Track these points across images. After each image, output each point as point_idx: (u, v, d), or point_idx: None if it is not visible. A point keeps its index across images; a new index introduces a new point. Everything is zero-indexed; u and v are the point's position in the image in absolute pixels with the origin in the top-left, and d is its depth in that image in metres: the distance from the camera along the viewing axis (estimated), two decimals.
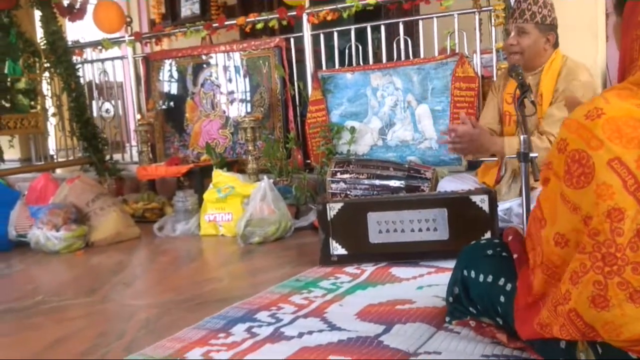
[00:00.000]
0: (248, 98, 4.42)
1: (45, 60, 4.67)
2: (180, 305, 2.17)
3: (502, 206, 2.64)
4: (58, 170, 5.28)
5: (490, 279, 1.59)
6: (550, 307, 1.28)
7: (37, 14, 4.77)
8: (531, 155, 2.07)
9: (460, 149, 2.70)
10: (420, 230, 2.46)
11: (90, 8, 4.98)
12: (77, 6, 4.86)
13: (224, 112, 4.52)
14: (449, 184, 2.90)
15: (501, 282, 1.55)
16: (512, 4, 2.80)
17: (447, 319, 1.76)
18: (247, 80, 4.40)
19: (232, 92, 4.48)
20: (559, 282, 1.28)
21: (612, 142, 1.18)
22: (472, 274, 1.65)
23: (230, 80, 4.48)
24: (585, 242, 1.20)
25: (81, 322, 2.08)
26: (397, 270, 2.38)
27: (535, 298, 1.37)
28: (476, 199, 2.43)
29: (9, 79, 4.37)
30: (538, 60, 2.70)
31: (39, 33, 4.82)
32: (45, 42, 4.65)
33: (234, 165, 4.17)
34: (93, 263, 3.03)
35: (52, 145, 5.64)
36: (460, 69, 3.56)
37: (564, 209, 1.25)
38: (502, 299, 1.53)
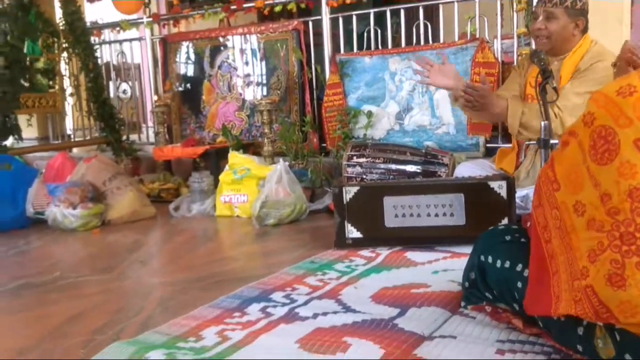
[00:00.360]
0: (265, 81, 4.41)
1: (64, 41, 4.69)
2: (196, 284, 2.18)
3: (519, 193, 2.61)
4: (75, 150, 5.33)
5: (507, 264, 1.58)
6: (567, 279, 1.26)
7: None
8: (552, 141, 2.05)
9: (472, 105, 2.56)
10: (436, 215, 2.45)
11: None
12: None
13: (241, 94, 4.52)
14: (466, 170, 2.88)
15: (519, 267, 1.54)
16: None
17: (463, 303, 1.75)
18: (264, 63, 4.39)
19: (248, 75, 4.47)
20: (570, 249, 1.26)
21: None
22: (490, 259, 1.64)
23: (247, 63, 4.47)
24: (603, 220, 1.18)
25: (98, 298, 2.10)
26: (413, 255, 2.37)
27: (546, 270, 1.35)
28: (494, 184, 2.41)
29: (28, 59, 4.39)
30: (566, 46, 2.63)
31: (58, 13, 4.84)
32: (64, 22, 4.67)
33: (250, 147, 4.18)
34: (109, 241, 3.05)
35: (69, 124, 5.68)
36: (481, 55, 3.52)
37: (588, 183, 1.23)
38: (519, 284, 1.52)
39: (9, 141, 4.27)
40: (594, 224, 1.21)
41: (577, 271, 1.23)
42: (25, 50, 4.29)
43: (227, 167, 3.55)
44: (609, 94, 1.21)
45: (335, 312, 1.77)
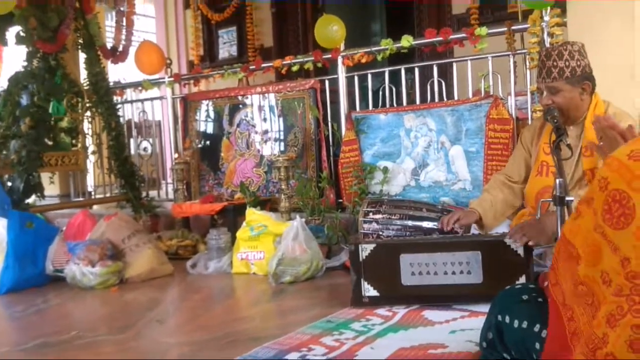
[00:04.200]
0: (282, 137, 4.49)
1: (88, 100, 4.83)
2: (212, 343, 2.17)
3: (536, 251, 2.59)
4: (95, 207, 5.40)
5: (525, 324, 1.56)
6: (587, 351, 1.24)
7: (82, 56, 4.96)
8: (567, 199, 2.04)
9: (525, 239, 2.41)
10: (453, 273, 2.43)
11: (132, 50, 5.15)
12: (120, 49, 5.04)
13: (259, 151, 4.59)
14: None
15: (536, 328, 1.52)
16: (538, 62, 2.73)
17: None
18: (281, 120, 4.48)
19: (266, 132, 4.56)
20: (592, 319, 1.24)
21: None
22: (507, 319, 1.61)
23: (265, 120, 4.56)
24: (622, 284, 1.17)
25: (114, 358, 2.10)
26: (430, 314, 2.35)
27: (567, 340, 1.33)
28: (511, 242, 2.39)
29: (52, 118, 4.52)
30: (577, 113, 2.63)
31: (83, 74, 5.01)
32: (88, 82, 4.82)
33: (267, 203, 4.21)
34: (127, 299, 3.06)
35: (90, 181, 5.78)
36: (495, 111, 3.56)
37: (607, 249, 1.22)
38: (537, 345, 1.50)
39: (32, 199, 4.35)
40: (614, 288, 1.20)
41: (597, 339, 1.21)
42: (50, 110, 4.42)
43: (244, 223, 3.57)
44: (621, 157, 1.22)
45: None
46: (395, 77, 4.21)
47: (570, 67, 2.54)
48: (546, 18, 3.35)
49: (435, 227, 3.17)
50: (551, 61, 2.56)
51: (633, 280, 1.16)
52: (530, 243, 2.35)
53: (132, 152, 5.45)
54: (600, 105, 2.64)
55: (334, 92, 4.33)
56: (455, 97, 3.89)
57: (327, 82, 4.35)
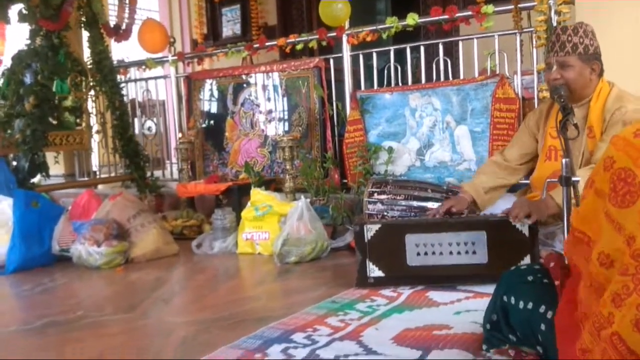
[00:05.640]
0: (286, 117, 4.47)
1: (91, 79, 4.81)
2: (217, 323, 2.19)
3: (545, 230, 2.58)
4: (100, 186, 5.41)
5: (530, 305, 1.56)
6: (593, 330, 1.24)
7: (85, 34, 4.92)
8: (573, 179, 2.03)
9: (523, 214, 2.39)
10: (459, 253, 2.43)
11: (135, 29, 5.11)
12: (123, 27, 5.00)
13: (263, 131, 4.57)
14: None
15: (542, 309, 1.52)
16: (551, 36, 2.71)
17: (485, 347, 1.72)
18: (285, 99, 4.45)
19: (270, 112, 4.54)
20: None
21: None
22: (512, 300, 1.62)
23: (269, 100, 4.54)
24: (628, 263, 1.17)
25: (121, 337, 2.12)
26: (435, 295, 2.35)
27: (576, 320, 1.33)
28: (514, 220, 2.38)
29: (56, 97, 4.51)
30: (584, 92, 2.62)
31: (86, 53, 4.98)
32: (91, 61, 4.79)
33: (272, 183, 4.21)
34: (132, 279, 3.08)
35: (95, 161, 5.79)
36: (501, 90, 3.53)
37: (609, 228, 1.22)
38: (542, 326, 1.50)
39: (37, 178, 4.36)
40: (620, 267, 1.19)
41: (602, 319, 1.21)
42: (54, 89, 4.40)
43: (249, 204, 3.57)
44: (627, 136, 1.22)
45: (356, 355, 1.76)
46: (400, 56, 4.17)
47: (584, 44, 2.53)
48: None
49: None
50: (566, 35, 2.55)
51: (638, 259, 1.15)
52: (531, 219, 2.34)
53: (137, 131, 5.44)
54: (605, 87, 2.62)
55: (339, 71, 4.30)
56: (461, 76, 3.85)
57: (331, 61, 4.31)
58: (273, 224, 3.42)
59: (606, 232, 1.23)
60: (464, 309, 2.15)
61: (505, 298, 1.65)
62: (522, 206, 2.38)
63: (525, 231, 2.38)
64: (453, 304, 2.23)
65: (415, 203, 3.22)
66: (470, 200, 2.73)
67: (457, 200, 2.70)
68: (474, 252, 2.42)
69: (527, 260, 2.36)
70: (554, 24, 3.28)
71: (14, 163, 4.23)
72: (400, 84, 4.08)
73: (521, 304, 1.59)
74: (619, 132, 1.28)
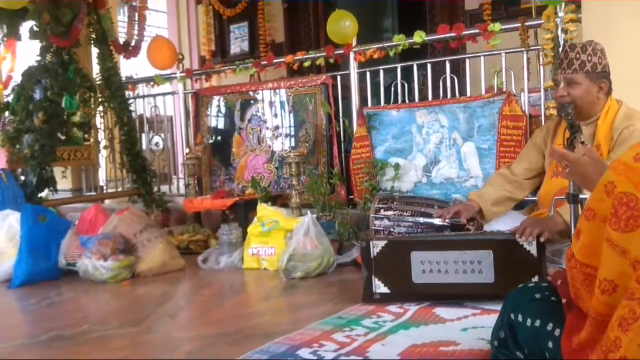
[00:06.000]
0: (293, 133, 4.49)
1: (100, 95, 4.85)
2: (223, 338, 2.18)
3: (552, 247, 2.57)
4: (107, 201, 5.43)
5: (538, 323, 1.55)
6: (600, 354, 1.23)
7: (95, 51, 4.98)
8: (580, 196, 2.03)
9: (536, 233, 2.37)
10: (464, 272, 2.41)
11: (144, 45, 5.16)
12: (132, 44, 5.05)
13: (270, 146, 4.59)
14: (496, 222, 2.85)
15: (549, 327, 1.51)
16: (560, 53, 2.72)
17: None
18: (292, 116, 4.47)
19: (277, 128, 4.56)
20: (605, 329, 1.23)
21: None
22: (520, 317, 1.61)
23: (276, 116, 4.56)
24: (634, 287, 1.16)
25: (126, 351, 2.11)
26: (441, 311, 2.34)
27: (582, 346, 1.33)
28: (522, 240, 2.37)
29: (65, 113, 4.54)
30: (592, 110, 2.62)
31: (95, 69, 5.03)
32: (100, 77, 4.84)
33: (278, 199, 4.21)
34: (139, 293, 3.08)
35: (102, 176, 5.81)
36: (508, 108, 3.54)
37: (611, 254, 1.21)
38: (550, 344, 1.49)
39: (44, 193, 4.38)
40: (625, 292, 1.19)
41: (609, 343, 1.20)
42: (63, 105, 4.44)
43: (255, 219, 3.58)
44: (627, 160, 1.22)
45: None
46: (407, 73, 4.19)
47: (592, 62, 2.53)
48: (560, 14, 3.33)
49: (447, 224, 3.15)
50: (574, 53, 2.55)
51: None
52: (542, 238, 2.33)
53: (144, 147, 5.47)
54: (613, 106, 2.62)
55: (346, 87, 4.32)
56: (468, 94, 3.87)
57: (338, 78, 4.34)
58: (279, 239, 3.42)
59: (608, 258, 1.22)
60: (471, 326, 2.13)
61: (512, 315, 1.63)
62: (532, 225, 2.37)
63: (533, 251, 2.35)
64: (460, 321, 2.21)
65: (421, 219, 3.22)
66: (477, 208, 2.73)
67: (465, 206, 2.70)
68: (480, 271, 2.39)
69: (535, 280, 2.33)
70: (561, 42, 3.29)
71: (22, 177, 4.27)
72: (407, 101, 4.10)
73: (529, 322, 1.58)
74: (619, 156, 1.28)
